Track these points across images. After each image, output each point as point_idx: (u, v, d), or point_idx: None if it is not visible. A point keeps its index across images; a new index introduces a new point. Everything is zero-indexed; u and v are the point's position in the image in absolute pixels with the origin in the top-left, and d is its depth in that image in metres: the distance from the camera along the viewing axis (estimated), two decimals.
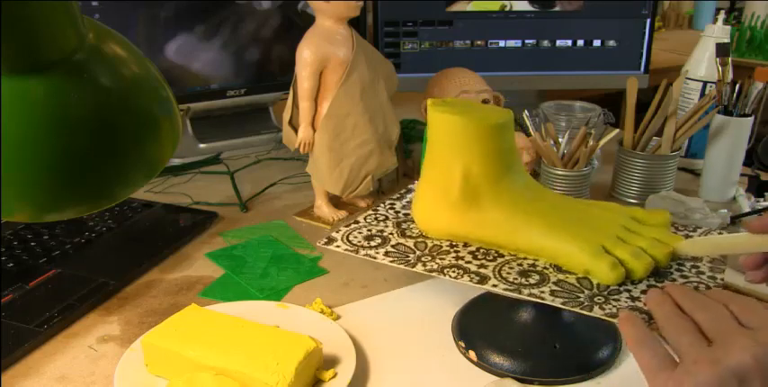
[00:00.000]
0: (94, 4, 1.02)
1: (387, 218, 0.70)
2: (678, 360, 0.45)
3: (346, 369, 0.59)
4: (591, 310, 0.53)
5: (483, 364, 0.62)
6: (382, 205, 0.73)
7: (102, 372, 0.62)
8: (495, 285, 0.57)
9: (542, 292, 0.56)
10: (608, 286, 0.57)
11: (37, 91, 0.43)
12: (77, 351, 0.65)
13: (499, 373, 0.61)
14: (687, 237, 0.66)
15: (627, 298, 0.55)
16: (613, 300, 0.55)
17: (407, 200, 0.75)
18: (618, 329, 0.67)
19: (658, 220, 0.64)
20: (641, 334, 0.47)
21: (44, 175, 0.45)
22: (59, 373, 0.62)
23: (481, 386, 0.59)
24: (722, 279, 0.59)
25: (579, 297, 0.55)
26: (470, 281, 0.58)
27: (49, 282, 0.75)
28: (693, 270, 0.60)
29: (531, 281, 0.58)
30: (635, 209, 0.66)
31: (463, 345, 0.64)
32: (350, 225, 0.68)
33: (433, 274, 0.59)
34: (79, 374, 0.62)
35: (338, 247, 0.64)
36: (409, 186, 0.78)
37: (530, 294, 0.56)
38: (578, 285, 0.57)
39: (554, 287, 0.57)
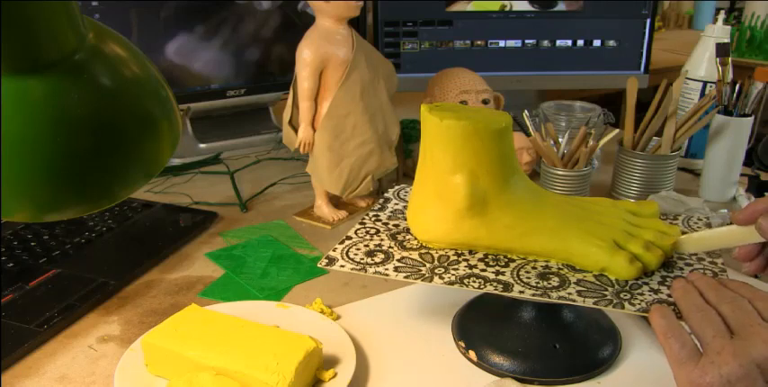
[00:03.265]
0: (94, 4, 1.02)
1: (378, 231, 0.68)
2: (702, 351, 0.46)
3: (346, 369, 0.59)
4: (623, 308, 0.53)
5: (483, 364, 0.62)
6: (367, 218, 0.71)
7: (102, 372, 0.62)
8: (521, 292, 0.56)
9: (569, 293, 0.56)
10: (626, 281, 0.57)
11: (37, 91, 0.43)
12: (77, 351, 0.65)
13: (499, 373, 0.61)
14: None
15: (649, 291, 0.56)
16: (638, 294, 0.55)
17: (390, 210, 0.72)
18: (617, 330, 0.67)
19: (650, 211, 0.65)
20: (670, 325, 0.48)
21: (44, 175, 0.46)
22: (59, 373, 0.62)
23: (481, 386, 0.59)
24: (722, 263, 0.60)
25: (606, 295, 0.55)
26: (495, 289, 0.57)
27: (49, 282, 0.75)
28: (694, 257, 0.61)
29: (553, 283, 0.57)
30: (626, 202, 0.66)
31: (463, 345, 0.64)
32: (344, 241, 0.65)
33: (455, 286, 0.58)
34: (79, 374, 0.62)
35: (342, 266, 0.61)
36: (386, 195, 0.75)
37: (559, 297, 0.55)
38: (599, 283, 0.57)
39: (578, 287, 0.57)
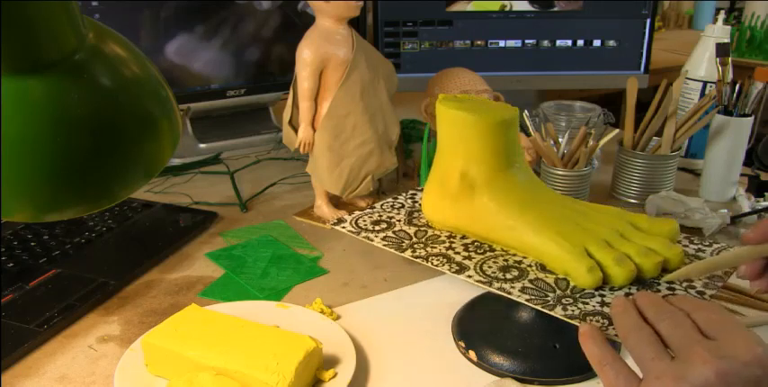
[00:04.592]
0: (94, 4, 1.02)
1: (403, 206, 0.73)
2: (641, 375, 0.44)
3: (346, 369, 0.59)
4: (552, 310, 0.53)
5: (483, 364, 0.62)
6: (404, 194, 0.76)
7: (102, 372, 0.62)
8: (469, 276, 0.58)
9: (513, 287, 0.57)
10: (583, 289, 0.56)
11: (37, 91, 0.43)
12: (77, 351, 0.65)
13: (499, 373, 0.61)
14: (700, 252, 0.64)
15: (597, 303, 0.55)
16: (582, 302, 0.55)
17: None
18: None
19: (661, 230, 0.61)
20: (603, 353, 0.46)
21: (44, 175, 0.45)
22: (59, 373, 0.62)
23: (481, 386, 0.59)
24: (710, 296, 0.56)
25: (547, 296, 0.56)
26: (449, 270, 0.59)
27: (49, 282, 0.75)
28: (684, 284, 0.58)
29: (508, 276, 0.58)
30: (640, 215, 0.63)
31: (463, 345, 0.64)
32: (365, 209, 0.72)
33: (418, 260, 0.62)
34: (79, 374, 0.62)
35: (344, 227, 0.67)
36: None
37: (499, 288, 0.57)
38: (553, 285, 0.57)
39: (527, 284, 0.57)
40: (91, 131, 0.46)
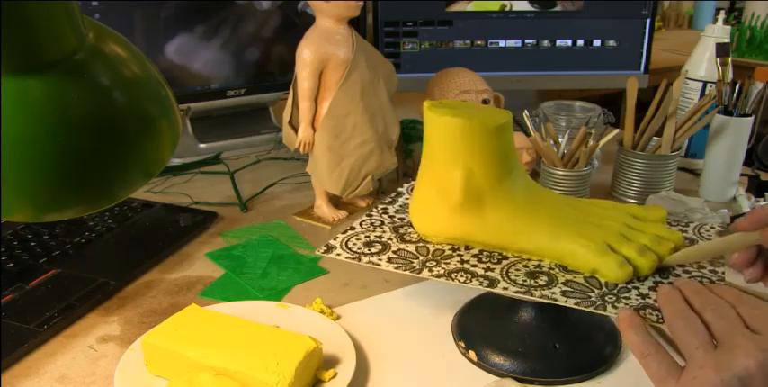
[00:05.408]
0: (94, 4, 1.02)
1: (382, 223, 0.69)
2: (684, 361, 0.45)
3: (346, 369, 0.59)
4: (605, 310, 0.53)
5: (483, 364, 0.62)
6: (375, 210, 0.72)
7: (102, 372, 0.62)
8: (505, 288, 0.57)
9: (553, 293, 0.56)
10: (616, 284, 0.57)
11: (37, 91, 0.43)
12: (77, 351, 0.65)
13: (499, 373, 0.61)
14: (682, 232, 0.67)
15: (636, 295, 0.55)
16: (624, 298, 0.55)
17: (400, 204, 0.73)
18: (618, 330, 0.67)
19: (655, 217, 0.64)
20: (645, 342, 0.47)
21: (44, 175, 0.45)
22: (59, 373, 0.62)
23: (481, 386, 0.59)
24: (723, 272, 0.59)
25: (591, 296, 0.55)
26: (480, 285, 0.57)
27: (49, 282, 0.75)
28: (695, 264, 0.60)
29: (540, 282, 0.57)
30: (632, 206, 0.66)
31: (463, 345, 0.64)
32: (346, 231, 0.67)
33: (441, 279, 0.59)
34: (79, 374, 0.62)
35: (338, 254, 0.63)
36: (399, 190, 0.76)
37: (542, 296, 0.55)
38: (587, 285, 0.57)
39: (564, 287, 0.57)
40: (91, 131, 0.46)
